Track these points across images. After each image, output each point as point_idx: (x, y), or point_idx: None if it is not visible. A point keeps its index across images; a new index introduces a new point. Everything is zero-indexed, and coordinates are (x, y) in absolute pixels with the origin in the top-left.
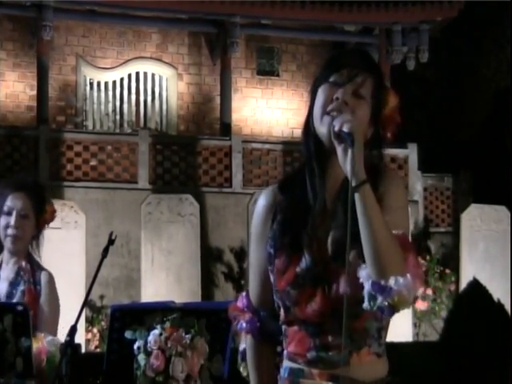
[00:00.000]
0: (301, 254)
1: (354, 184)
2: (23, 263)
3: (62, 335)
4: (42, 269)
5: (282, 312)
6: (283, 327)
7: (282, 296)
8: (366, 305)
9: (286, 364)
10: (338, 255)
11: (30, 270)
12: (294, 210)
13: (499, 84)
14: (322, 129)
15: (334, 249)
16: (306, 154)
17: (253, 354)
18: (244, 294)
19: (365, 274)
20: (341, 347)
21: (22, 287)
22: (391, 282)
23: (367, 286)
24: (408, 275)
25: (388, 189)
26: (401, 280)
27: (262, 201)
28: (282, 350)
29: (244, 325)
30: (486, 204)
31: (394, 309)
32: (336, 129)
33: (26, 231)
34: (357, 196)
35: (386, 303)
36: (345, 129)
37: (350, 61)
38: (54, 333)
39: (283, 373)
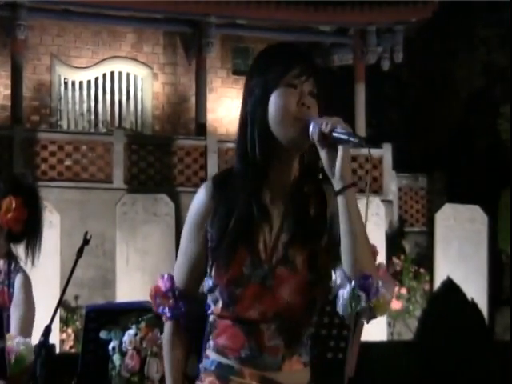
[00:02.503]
0: (247, 252)
1: (339, 186)
2: (1, 263)
3: (36, 335)
4: (18, 270)
5: (217, 306)
6: (212, 317)
7: (222, 291)
8: (343, 308)
9: (214, 357)
10: (286, 259)
11: (7, 270)
12: (239, 210)
13: (472, 84)
14: (289, 133)
15: (283, 252)
16: (250, 155)
17: (172, 341)
18: (166, 276)
19: (343, 276)
20: (275, 350)
21: None
22: (378, 283)
23: (349, 287)
24: (389, 281)
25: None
26: (384, 283)
27: (203, 193)
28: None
29: (167, 310)
30: (460, 204)
31: (374, 313)
32: (327, 130)
33: None
34: (341, 198)
35: (372, 305)
36: (340, 129)
37: (299, 58)
38: (28, 336)
39: (209, 365)
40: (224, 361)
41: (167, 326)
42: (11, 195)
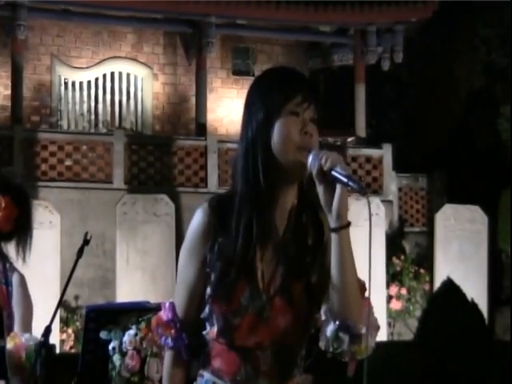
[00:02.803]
0: (246, 283)
1: (334, 225)
2: None
3: (37, 335)
4: (13, 270)
5: (213, 330)
6: (207, 338)
7: (218, 319)
8: (325, 345)
9: (209, 377)
10: (284, 289)
11: (2, 269)
12: (238, 238)
13: (472, 84)
14: (291, 162)
15: (280, 283)
16: (251, 181)
17: (172, 371)
18: (168, 305)
19: (328, 313)
20: (271, 375)
21: None
22: (362, 329)
23: (332, 327)
24: (370, 326)
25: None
26: (368, 326)
27: (200, 216)
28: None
29: (170, 341)
30: (460, 204)
31: (354, 356)
32: (325, 168)
33: None
34: (336, 237)
35: (353, 350)
36: (340, 169)
37: (300, 85)
38: (30, 332)
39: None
40: (219, 382)
41: (168, 355)
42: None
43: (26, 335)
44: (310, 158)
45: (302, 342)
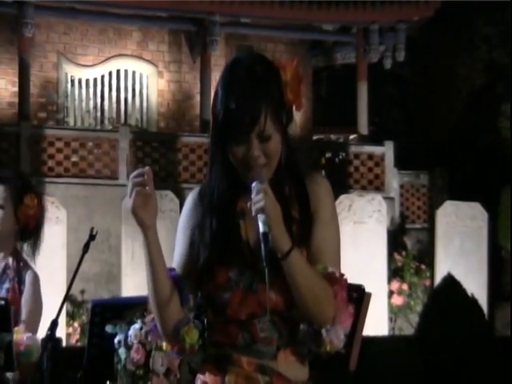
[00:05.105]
0: (233, 258)
1: (279, 255)
2: (10, 260)
3: (43, 329)
4: (28, 268)
5: (209, 313)
6: (206, 321)
7: (211, 298)
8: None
9: (212, 350)
10: (271, 262)
11: (16, 267)
12: (224, 217)
13: (474, 82)
14: (247, 174)
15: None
16: (213, 182)
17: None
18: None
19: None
20: (269, 340)
21: (7, 285)
22: (323, 333)
23: (301, 330)
24: (336, 324)
25: (320, 202)
26: (331, 330)
27: (190, 197)
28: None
29: None
30: (461, 201)
31: (323, 354)
32: (253, 214)
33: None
34: (284, 264)
35: (317, 351)
36: (260, 221)
37: (241, 100)
38: (34, 332)
39: (208, 357)
40: (221, 351)
41: None
42: (32, 193)
43: (27, 334)
44: (253, 187)
45: (296, 313)
